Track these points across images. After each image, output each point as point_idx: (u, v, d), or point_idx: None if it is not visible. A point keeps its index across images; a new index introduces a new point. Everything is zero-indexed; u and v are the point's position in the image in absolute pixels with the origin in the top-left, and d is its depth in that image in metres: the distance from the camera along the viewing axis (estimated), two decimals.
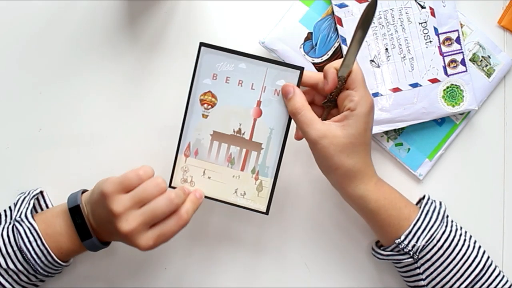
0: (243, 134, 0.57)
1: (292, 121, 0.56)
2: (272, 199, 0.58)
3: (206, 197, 0.57)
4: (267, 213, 0.58)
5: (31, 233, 0.55)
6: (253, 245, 0.66)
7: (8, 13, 0.64)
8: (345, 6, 0.63)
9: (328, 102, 0.57)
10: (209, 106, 0.57)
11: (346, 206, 0.59)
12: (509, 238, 0.66)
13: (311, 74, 0.57)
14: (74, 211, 0.55)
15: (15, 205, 0.59)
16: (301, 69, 0.55)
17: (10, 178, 0.64)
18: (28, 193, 0.61)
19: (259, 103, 0.57)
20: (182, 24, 0.65)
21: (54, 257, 0.55)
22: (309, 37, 0.63)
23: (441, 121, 0.66)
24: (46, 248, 0.55)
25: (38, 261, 0.55)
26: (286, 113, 0.56)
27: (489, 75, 0.65)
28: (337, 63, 0.55)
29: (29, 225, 0.56)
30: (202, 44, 0.56)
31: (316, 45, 0.64)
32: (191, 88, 0.57)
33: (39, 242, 0.55)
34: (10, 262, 0.55)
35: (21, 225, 0.56)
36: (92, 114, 0.65)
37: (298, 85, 0.56)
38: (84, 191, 0.58)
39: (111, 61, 0.65)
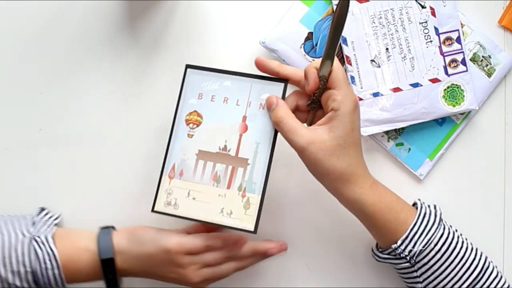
0: (229, 150, 0.56)
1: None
2: (260, 216, 0.55)
3: (190, 219, 0.56)
4: (255, 232, 0.54)
5: (50, 260, 0.54)
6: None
7: (8, 13, 0.64)
8: None
9: (312, 104, 0.55)
10: (195, 126, 0.57)
11: None
12: (510, 238, 0.66)
13: (295, 71, 0.56)
14: (107, 263, 0.54)
15: (35, 222, 0.58)
16: (285, 82, 0.55)
17: (10, 178, 0.64)
18: (49, 217, 0.60)
19: (244, 118, 0.56)
20: (182, 24, 0.65)
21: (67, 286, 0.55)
22: (309, 37, 0.63)
23: (442, 121, 0.66)
24: (62, 280, 0.54)
25: (49, 287, 0.54)
26: (272, 127, 0.55)
27: (489, 75, 0.65)
28: (317, 62, 0.54)
29: (49, 250, 0.54)
30: (188, 66, 0.56)
31: (316, 45, 0.63)
32: (177, 109, 0.57)
33: (56, 271, 0.53)
34: (17, 281, 0.53)
35: (40, 248, 0.54)
36: (92, 114, 0.65)
37: (283, 97, 0.55)
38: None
39: (111, 61, 0.65)
